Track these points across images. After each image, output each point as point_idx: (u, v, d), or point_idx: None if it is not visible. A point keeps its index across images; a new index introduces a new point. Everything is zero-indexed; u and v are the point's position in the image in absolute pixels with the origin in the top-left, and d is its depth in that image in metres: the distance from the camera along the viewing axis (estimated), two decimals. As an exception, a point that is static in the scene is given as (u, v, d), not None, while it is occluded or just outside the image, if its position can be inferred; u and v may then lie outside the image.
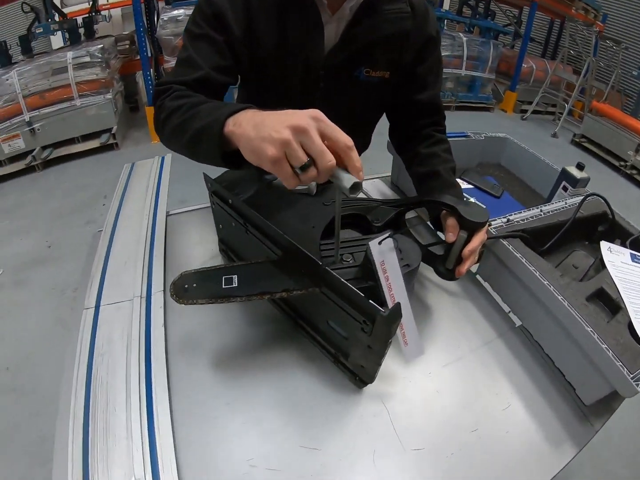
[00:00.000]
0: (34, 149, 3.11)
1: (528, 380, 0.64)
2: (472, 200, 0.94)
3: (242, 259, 0.69)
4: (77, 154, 3.29)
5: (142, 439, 0.51)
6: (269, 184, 0.70)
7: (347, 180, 0.43)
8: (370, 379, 0.56)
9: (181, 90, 0.66)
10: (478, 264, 0.80)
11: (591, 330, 0.57)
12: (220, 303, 0.49)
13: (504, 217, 0.78)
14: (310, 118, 0.44)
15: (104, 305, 0.66)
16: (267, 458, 0.51)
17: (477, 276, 0.80)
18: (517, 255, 0.69)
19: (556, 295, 0.62)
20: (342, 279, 0.46)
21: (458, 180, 1.06)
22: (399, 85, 0.83)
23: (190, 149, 0.62)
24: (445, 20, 4.80)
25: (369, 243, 0.48)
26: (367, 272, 0.52)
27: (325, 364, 0.61)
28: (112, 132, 3.43)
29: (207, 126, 0.54)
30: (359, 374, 0.56)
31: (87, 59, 3.11)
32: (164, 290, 0.69)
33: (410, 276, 0.58)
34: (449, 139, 0.88)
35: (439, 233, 0.83)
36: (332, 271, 0.47)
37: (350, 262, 0.57)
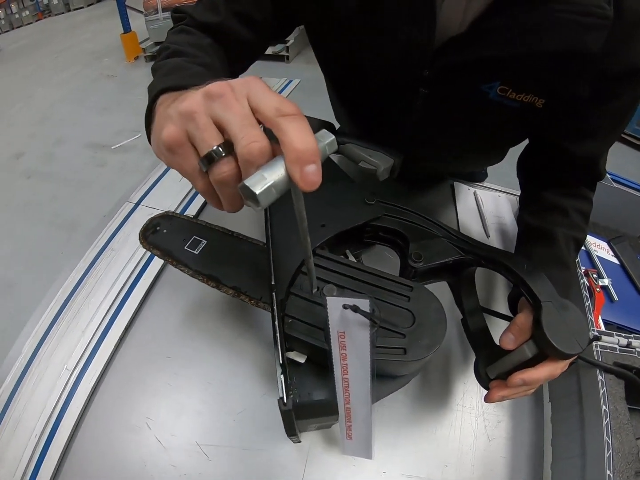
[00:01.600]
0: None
1: None
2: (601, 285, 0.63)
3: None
4: (247, 54, 3.57)
5: (89, 343, 0.54)
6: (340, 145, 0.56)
7: (275, 178, 0.23)
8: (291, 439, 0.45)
9: (188, 25, 0.52)
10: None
11: None
12: (170, 265, 0.43)
13: (624, 337, 0.52)
14: (239, 82, 0.26)
15: (142, 206, 0.69)
16: (163, 426, 0.48)
17: (546, 389, 0.57)
18: (604, 408, 0.45)
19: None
20: (276, 317, 0.34)
21: (601, 242, 0.74)
22: (552, 117, 0.52)
23: None
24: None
25: (327, 298, 0.31)
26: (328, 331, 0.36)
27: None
28: (287, 45, 3.52)
29: (149, 90, 0.39)
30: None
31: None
32: (196, 217, 0.68)
33: (405, 366, 0.39)
34: (616, 184, 0.58)
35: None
36: (275, 301, 0.35)
37: None
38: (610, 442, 0.43)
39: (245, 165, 0.25)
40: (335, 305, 0.32)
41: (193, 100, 0.26)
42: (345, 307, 0.31)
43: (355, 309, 0.29)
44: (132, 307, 0.57)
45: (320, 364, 0.40)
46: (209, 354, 0.54)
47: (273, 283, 0.36)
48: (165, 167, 0.76)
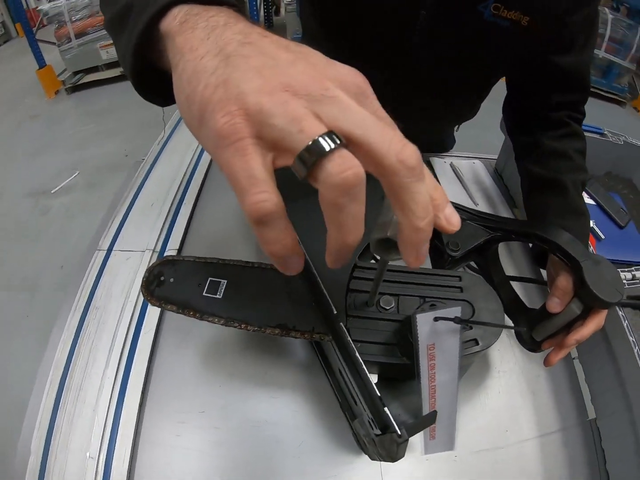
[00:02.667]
0: (132, 57, 3.29)
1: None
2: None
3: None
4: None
5: (106, 416, 0.47)
6: None
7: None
8: (370, 457, 0.43)
9: None
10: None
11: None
12: (193, 318, 0.38)
13: (628, 271, 0.56)
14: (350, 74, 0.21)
15: (115, 251, 0.61)
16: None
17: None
18: (631, 339, 0.49)
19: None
20: (355, 350, 0.32)
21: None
22: (536, 38, 0.55)
23: (112, 36, 0.32)
24: (590, -10, 3.95)
25: (417, 316, 0.29)
26: (405, 344, 0.34)
27: (331, 401, 0.49)
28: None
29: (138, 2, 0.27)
30: (359, 442, 0.44)
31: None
32: (180, 250, 0.61)
33: (473, 357, 0.40)
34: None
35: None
36: (344, 327, 0.32)
37: (391, 309, 0.37)
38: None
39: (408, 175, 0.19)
40: (425, 320, 0.30)
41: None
42: (436, 319, 0.29)
43: (458, 320, 0.28)
44: (142, 367, 0.50)
45: (392, 378, 0.38)
46: (244, 397, 0.50)
47: (335, 312, 0.33)
48: (128, 203, 0.67)
